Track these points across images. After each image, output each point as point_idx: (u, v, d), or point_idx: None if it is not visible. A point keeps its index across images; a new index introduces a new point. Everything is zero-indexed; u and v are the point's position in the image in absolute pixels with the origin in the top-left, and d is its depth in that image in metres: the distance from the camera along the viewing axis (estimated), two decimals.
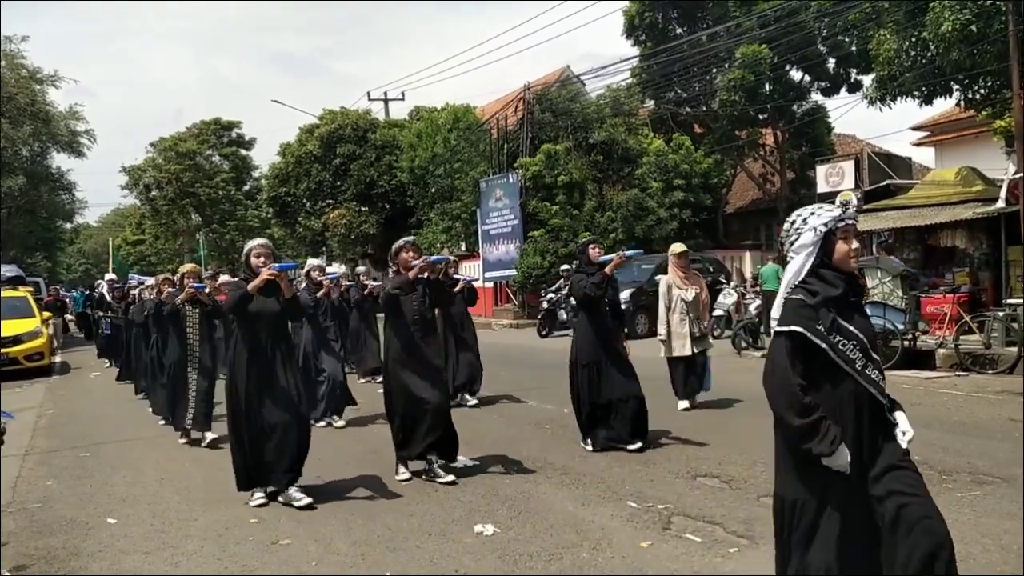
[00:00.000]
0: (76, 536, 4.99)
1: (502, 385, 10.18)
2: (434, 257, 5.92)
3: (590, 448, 6.46)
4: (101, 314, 16.22)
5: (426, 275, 5.75)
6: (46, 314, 16.80)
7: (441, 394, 5.72)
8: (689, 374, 8.09)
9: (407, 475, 5.79)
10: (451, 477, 5.66)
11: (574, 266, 8.08)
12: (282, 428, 5.22)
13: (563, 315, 17.37)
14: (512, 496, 5.29)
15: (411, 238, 6.03)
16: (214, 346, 8.03)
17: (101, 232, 64.13)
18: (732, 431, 7.06)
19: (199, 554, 4.54)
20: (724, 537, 4.35)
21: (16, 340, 14.66)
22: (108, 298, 15.42)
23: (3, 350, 14.27)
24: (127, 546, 4.75)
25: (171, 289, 8.19)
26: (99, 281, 19.78)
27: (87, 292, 25.62)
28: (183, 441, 7.68)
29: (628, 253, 7.07)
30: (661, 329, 8.13)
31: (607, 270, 6.44)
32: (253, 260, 5.43)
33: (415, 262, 5.70)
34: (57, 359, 17.07)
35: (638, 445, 6.32)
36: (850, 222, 2.77)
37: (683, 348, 7.96)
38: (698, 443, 6.59)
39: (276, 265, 5.33)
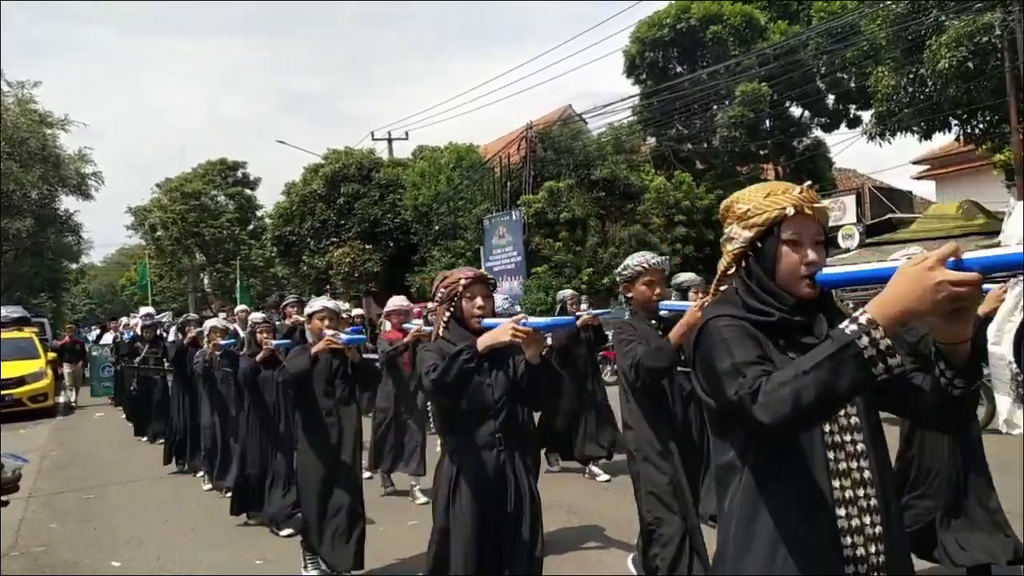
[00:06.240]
0: None
1: None
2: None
3: None
4: (127, 363, 12.02)
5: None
6: (51, 355, 16.77)
7: None
8: None
9: None
10: None
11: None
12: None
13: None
14: None
15: None
16: None
17: (106, 272, 64.37)
18: None
19: None
20: None
21: (20, 381, 14.65)
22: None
23: (4, 391, 14.24)
24: None
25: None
26: (124, 319, 15.92)
27: (100, 332, 20.68)
28: None
29: None
30: None
31: None
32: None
33: None
34: (61, 399, 16.86)
35: None
36: None
37: None
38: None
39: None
